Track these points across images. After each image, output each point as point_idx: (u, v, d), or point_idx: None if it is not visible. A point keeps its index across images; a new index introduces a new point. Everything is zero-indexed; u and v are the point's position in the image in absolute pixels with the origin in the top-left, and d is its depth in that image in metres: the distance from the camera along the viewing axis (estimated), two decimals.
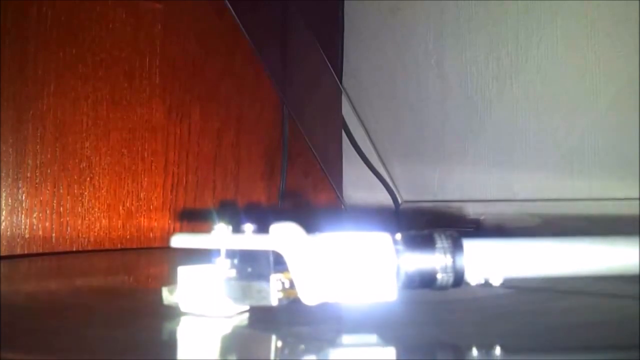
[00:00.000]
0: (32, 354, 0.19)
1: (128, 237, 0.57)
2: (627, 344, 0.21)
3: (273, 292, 0.22)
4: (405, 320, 0.25)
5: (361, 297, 0.22)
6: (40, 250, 0.52)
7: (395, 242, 0.22)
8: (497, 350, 0.20)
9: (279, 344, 0.21)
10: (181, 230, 0.61)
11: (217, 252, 0.23)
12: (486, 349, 0.20)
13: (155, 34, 0.60)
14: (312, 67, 0.73)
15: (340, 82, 0.76)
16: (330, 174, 0.73)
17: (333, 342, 0.22)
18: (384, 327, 0.24)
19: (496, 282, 0.23)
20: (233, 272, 0.23)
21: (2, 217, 0.51)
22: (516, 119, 0.59)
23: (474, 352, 0.20)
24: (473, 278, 0.23)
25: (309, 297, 0.21)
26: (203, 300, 0.24)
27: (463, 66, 0.64)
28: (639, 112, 0.49)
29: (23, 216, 0.52)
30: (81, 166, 0.55)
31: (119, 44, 0.58)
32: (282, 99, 0.70)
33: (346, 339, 0.22)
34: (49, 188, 0.53)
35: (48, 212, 0.53)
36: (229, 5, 0.61)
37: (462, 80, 0.65)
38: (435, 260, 0.22)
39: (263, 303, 0.22)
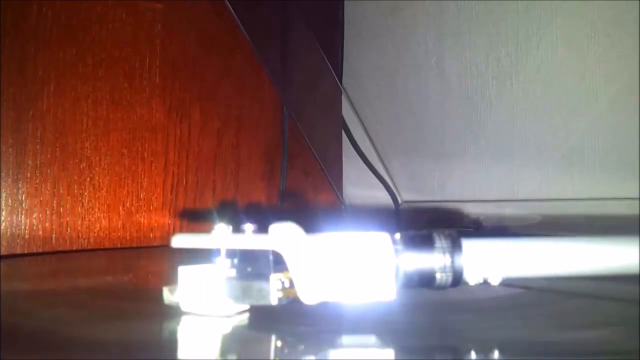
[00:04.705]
0: (32, 354, 0.19)
1: (128, 237, 0.57)
2: (627, 347, 0.21)
3: (273, 292, 0.22)
4: (404, 319, 0.25)
5: (360, 296, 0.22)
6: (40, 251, 0.52)
7: (394, 241, 0.22)
8: (496, 352, 0.20)
9: (279, 343, 0.21)
10: (181, 231, 0.61)
11: (218, 252, 0.23)
12: (485, 350, 0.20)
13: (155, 34, 0.60)
14: (312, 67, 0.73)
15: (340, 82, 0.76)
16: (330, 174, 0.73)
17: (332, 342, 0.22)
18: (383, 326, 0.24)
19: (495, 281, 0.23)
20: (233, 272, 0.23)
21: (2, 217, 0.51)
22: (516, 119, 0.59)
23: (473, 353, 0.20)
24: (472, 278, 0.23)
25: (308, 296, 0.21)
26: (203, 299, 0.24)
27: (463, 66, 0.64)
28: (639, 112, 0.49)
29: (23, 216, 0.52)
30: (81, 166, 0.55)
31: (119, 44, 0.58)
32: (282, 99, 0.70)
33: (345, 338, 0.22)
34: (49, 188, 0.53)
35: (48, 212, 0.53)
36: (229, 5, 0.61)
37: (462, 80, 0.65)
38: (434, 260, 0.22)
39: (263, 302, 0.22)
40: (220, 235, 0.23)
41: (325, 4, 0.78)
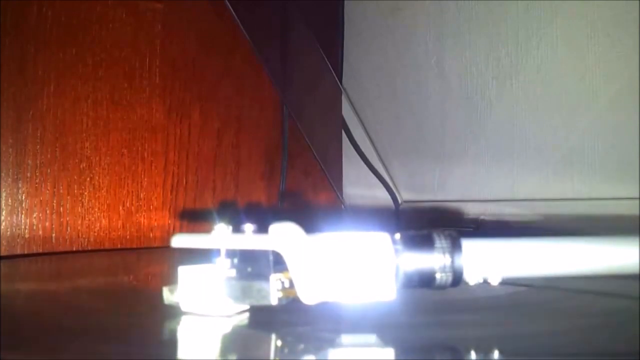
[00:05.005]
0: (32, 354, 0.19)
1: (128, 237, 0.57)
2: (628, 345, 0.21)
3: (273, 292, 0.22)
4: (404, 319, 0.25)
5: (360, 296, 0.22)
6: (40, 250, 0.52)
7: (394, 241, 0.22)
8: (496, 351, 0.20)
9: (279, 343, 0.21)
10: (181, 231, 0.61)
11: (217, 252, 0.23)
12: (485, 349, 0.20)
13: (155, 34, 0.60)
14: (312, 67, 0.73)
15: (340, 82, 0.76)
16: (330, 174, 0.73)
17: (332, 342, 0.22)
18: (383, 326, 0.24)
19: (495, 281, 0.24)
20: (233, 272, 0.23)
21: (2, 217, 0.51)
22: (516, 119, 0.59)
23: (473, 352, 0.20)
24: (472, 278, 0.23)
25: (308, 296, 0.21)
26: (203, 299, 0.24)
27: (463, 66, 0.64)
28: (639, 112, 0.49)
29: (23, 216, 0.52)
30: (81, 166, 0.55)
31: (119, 44, 0.58)
32: (282, 99, 0.70)
33: (345, 338, 0.22)
34: (49, 188, 0.53)
35: (48, 212, 0.53)
36: (229, 5, 0.61)
37: (462, 80, 0.65)
38: (434, 260, 0.22)
39: (263, 302, 0.22)
40: (220, 235, 0.23)
41: (325, 4, 0.78)
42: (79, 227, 0.54)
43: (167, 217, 0.60)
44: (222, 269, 0.23)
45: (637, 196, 0.46)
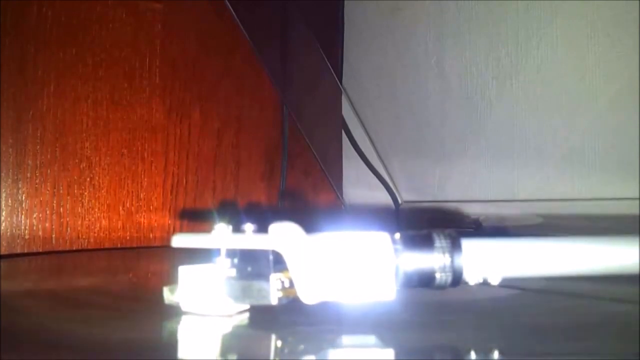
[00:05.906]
0: (32, 354, 0.19)
1: (128, 237, 0.57)
2: (627, 347, 0.21)
3: (273, 291, 0.22)
4: (403, 319, 0.25)
5: (360, 296, 0.22)
6: (40, 251, 0.52)
7: (394, 241, 0.22)
8: (495, 352, 0.20)
9: (279, 343, 0.21)
10: (181, 231, 0.61)
11: (218, 251, 0.23)
12: (484, 350, 0.20)
13: (155, 34, 0.60)
14: (312, 67, 0.73)
15: (340, 82, 0.76)
16: (330, 174, 0.73)
17: (332, 341, 0.22)
18: (383, 326, 0.24)
19: (494, 281, 0.23)
20: (233, 272, 0.23)
21: (2, 217, 0.51)
22: (516, 119, 0.59)
23: (472, 353, 0.20)
24: (471, 277, 0.23)
25: (308, 296, 0.21)
26: (204, 299, 0.24)
27: (463, 66, 0.64)
28: (639, 113, 0.49)
29: (23, 216, 0.52)
30: (81, 166, 0.55)
31: (119, 44, 0.58)
32: (282, 99, 0.70)
33: (345, 338, 0.22)
34: (49, 188, 0.53)
35: (48, 212, 0.53)
36: (229, 5, 0.61)
37: (462, 80, 0.65)
38: (434, 260, 0.22)
39: (263, 302, 0.22)
40: (221, 235, 0.23)
41: (325, 4, 0.78)
42: (79, 228, 0.54)
43: (167, 218, 0.60)
44: (223, 269, 0.23)
45: (637, 196, 0.46)
